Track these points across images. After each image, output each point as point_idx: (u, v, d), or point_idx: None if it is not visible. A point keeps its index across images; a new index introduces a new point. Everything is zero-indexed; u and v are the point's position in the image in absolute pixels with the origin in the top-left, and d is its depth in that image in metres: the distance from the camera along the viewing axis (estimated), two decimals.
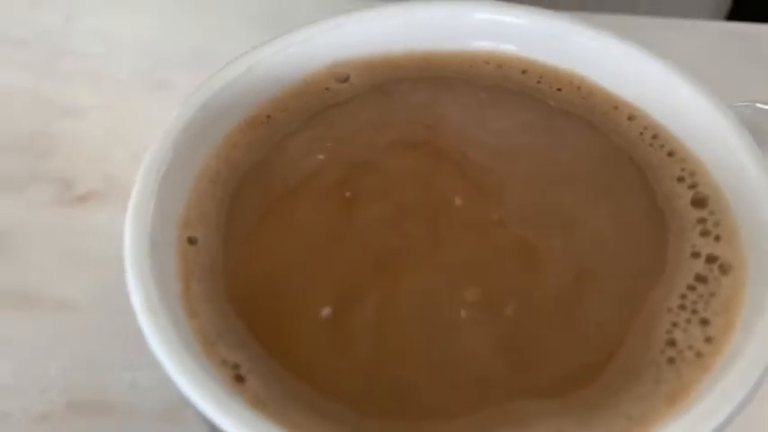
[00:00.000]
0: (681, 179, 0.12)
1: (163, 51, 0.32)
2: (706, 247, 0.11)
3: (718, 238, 0.11)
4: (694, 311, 0.11)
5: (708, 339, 0.10)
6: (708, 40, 0.30)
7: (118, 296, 0.24)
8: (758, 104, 0.14)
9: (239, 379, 0.10)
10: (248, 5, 0.33)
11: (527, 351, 0.10)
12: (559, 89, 0.14)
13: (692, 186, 0.12)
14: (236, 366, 0.10)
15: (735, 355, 0.10)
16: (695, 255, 0.11)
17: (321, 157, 0.13)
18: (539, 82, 0.14)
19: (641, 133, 0.13)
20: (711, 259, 0.11)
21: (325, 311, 0.11)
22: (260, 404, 0.10)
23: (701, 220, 0.12)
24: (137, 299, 0.11)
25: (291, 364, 0.10)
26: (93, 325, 0.23)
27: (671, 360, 0.10)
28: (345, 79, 0.14)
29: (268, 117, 0.14)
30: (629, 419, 0.09)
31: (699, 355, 0.10)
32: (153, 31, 0.33)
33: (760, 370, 0.09)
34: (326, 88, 0.14)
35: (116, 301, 0.23)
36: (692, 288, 0.11)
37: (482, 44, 0.14)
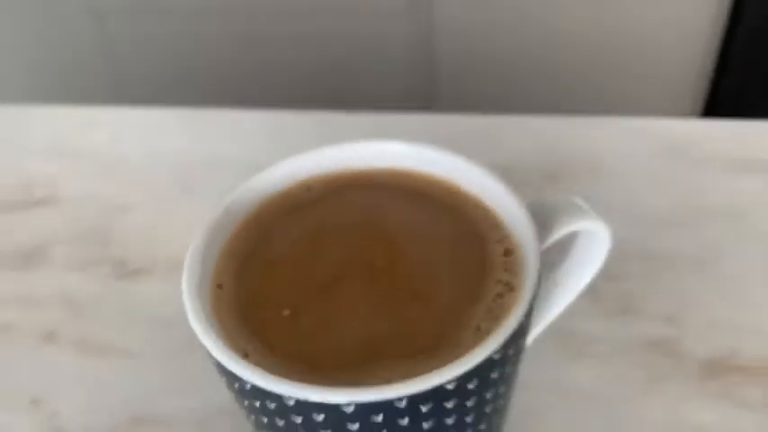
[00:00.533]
0: (499, 241, 0.22)
1: (189, 163, 0.41)
2: (505, 276, 0.21)
3: (512, 273, 0.21)
4: (492, 310, 0.20)
5: (497, 321, 0.19)
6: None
7: (161, 344, 0.35)
8: (568, 198, 0.23)
9: (246, 356, 0.19)
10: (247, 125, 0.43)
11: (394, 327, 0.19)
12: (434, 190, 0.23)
13: (504, 245, 0.21)
14: (245, 351, 0.19)
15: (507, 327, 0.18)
16: (499, 281, 0.20)
17: (296, 234, 0.23)
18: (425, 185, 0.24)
19: (481, 215, 0.22)
20: (507, 284, 0.20)
21: (286, 312, 0.20)
22: (258, 367, 0.19)
23: (506, 263, 0.21)
24: (192, 315, 0.20)
25: (271, 345, 0.19)
26: (143, 365, 0.32)
27: (478, 334, 0.19)
28: (309, 189, 0.24)
29: (264, 214, 0.23)
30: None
31: (490, 331, 0.19)
32: (181, 147, 0.43)
33: (511, 329, 0.18)
34: (298, 194, 0.24)
35: (160, 348, 0.33)
36: (495, 298, 0.20)
37: (388, 164, 0.24)
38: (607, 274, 0.33)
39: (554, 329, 0.31)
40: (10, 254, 0.37)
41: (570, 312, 0.32)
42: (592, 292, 0.33)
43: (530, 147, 0.39)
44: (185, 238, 0.36)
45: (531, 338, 0.26)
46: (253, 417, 0.20)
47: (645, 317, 0.32)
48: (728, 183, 0.37)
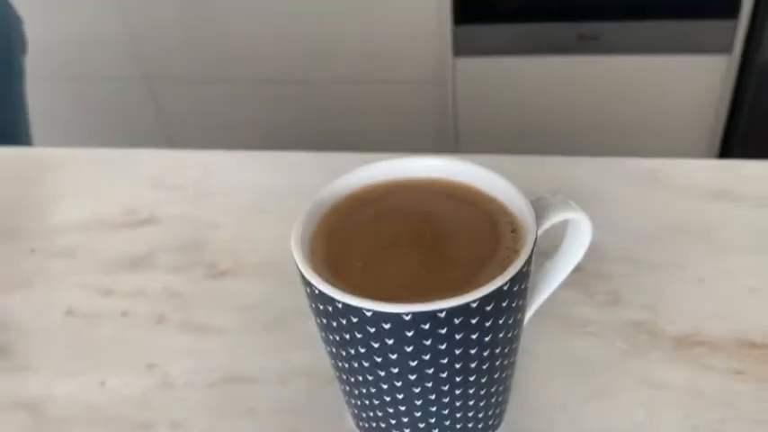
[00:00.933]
0: (508, 223, 0.31)
1: (263, 192, 0.51)
2: (512, 245, 0.30)
3: (517, 243, 0.30)
4: (503, 264, 0.29)
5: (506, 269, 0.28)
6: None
7: (245, 324, 0.45)
8: (558, 195, 0.32)
9: (329, 281, 0.28)
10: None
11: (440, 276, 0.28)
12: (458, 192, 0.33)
13: (511, 226, 0.31)
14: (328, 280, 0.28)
15: (512, 269, 0.27)
16: (507, 248, 0.30)
17: (363, 218, 0.32)
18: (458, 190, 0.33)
19: (495, 207, 0.32)
20: (514, 250, 0.29)
21: (359, 264, 0.29)
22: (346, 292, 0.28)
23: (513, 237, 0.30)
24: (301, 266, 0.29)
25: (350, 284, 0.28)
26: (232, 339, 0.41)
27: (492, 277, 0.28)
28: (372, 190, 0.34)
29: (340, 207, 0.33)
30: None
31: (509, 261, 0.28)
32: (258, 181, 0.53)
33: (525, 257, 0.27)
34: (365, 193, 0.33)
35: (244, 327, 0.43)
36: (505, 257, 0.29)
37: (427, 174, 0.34)
38: (597, 274, 0.42)
39: (554, 315, 0.40)
40: (122, 260, 0.47)
41: (567, 303, 0.40)
42: (585, 287, 0.41)
43: (543, 180, 0.49)
44: (263, 247, 0.46)
45: (535, 307, 0.35)
46: (336, 336, 0.29)
47: (627, 306, 0.40)
48: (700, 208, 0.46)
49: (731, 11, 1.26)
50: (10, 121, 0.88)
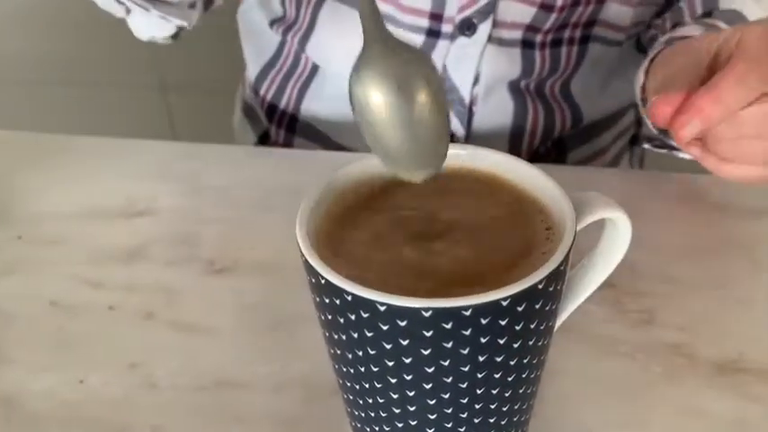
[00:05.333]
0: (542, 219, 0.27)
1: (268, 187, 0.48)
2: (547, 241, 0.26)
3: (553, 242, 0.26)
4: (544, 254, 0.25)
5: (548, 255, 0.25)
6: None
7: (240, 324, 0.41)
8: (594, 192, 0.29)
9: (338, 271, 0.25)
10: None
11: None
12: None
13: (545, 221, 0.27)
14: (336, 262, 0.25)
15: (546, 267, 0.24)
16: (542, 245, 0.26)
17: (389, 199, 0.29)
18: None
19: (528, 201, 0.28)
20: (548, 247, 0.26)
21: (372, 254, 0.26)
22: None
23: (548, 233, 0.27)
24: (309, 257, 0.25)
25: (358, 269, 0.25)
26: (227, 341, 0.38)
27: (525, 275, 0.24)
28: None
29: (359, 190, 0.30)
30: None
31: (544, 258, 0.24)
32: (260, 176, 0.49)
33: (563, 255, 0.24)
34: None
35: (239, 327, 0.39)
36: (544, 245, 0.26)
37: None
38: (630, 291, 0.38)
39: (582, 332, 0.36)
40: (116, 251, 0.44)
41: (597, 320, 0.37)
42: (616, 304, 0.38)
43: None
44: (265, 246, 0.42)
45: (565, 315, 0.31)
46: (342, 336, 0.25)
47: (663, 326, 0.36)
48: (740, 224, 0.43)
49: None
50: None
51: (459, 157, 0.30)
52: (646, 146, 0.49)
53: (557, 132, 0.55)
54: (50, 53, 1.40)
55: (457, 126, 0.54)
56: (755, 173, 0.37)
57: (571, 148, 0.57)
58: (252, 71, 0.63)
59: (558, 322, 0.30)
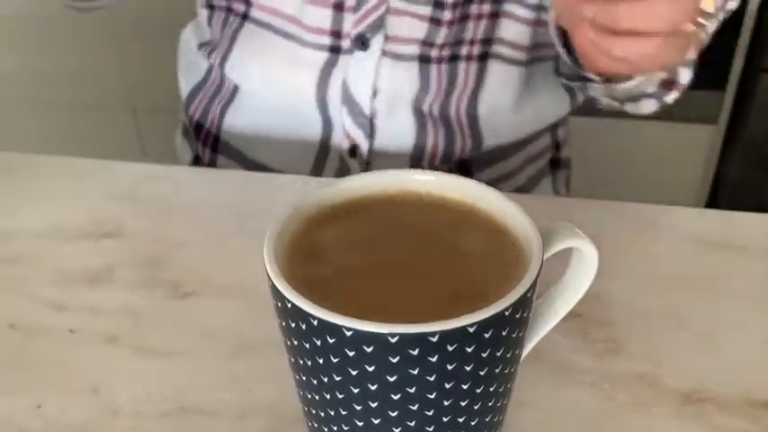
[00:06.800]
0: (510, 246, 0.28)
1: (235, 210, 0.48)
2: (515, 268, 0.26)
3: (519, 266, 0.26)
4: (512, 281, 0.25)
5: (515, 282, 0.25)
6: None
7: (206, 349, 0.40)
8: (563, 221, 0.29)
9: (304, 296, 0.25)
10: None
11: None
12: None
13: (514, 248, 0.27)
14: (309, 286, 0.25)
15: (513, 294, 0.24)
16: (509, 272, 0.26)
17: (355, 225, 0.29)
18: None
19: (497, 228, 0.29)
20: (515, 275, 0.26)
21: (339, 279, 0.26)
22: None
23: (516, 260, 0.27)
24: (276, 281, 0.25)
25: (324, 295, 0.25)
26: (190, 366, 0.37)
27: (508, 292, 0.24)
28: (356, 207, 0.30)
29: (326, 217, 0.29)
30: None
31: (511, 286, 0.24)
32: (228, 198, 0.49)
33: (530, 281, 0.24)
34: (340, 209, 0.30)
35: (205, 352, 0.38)
36: (511, 272, 0.26)
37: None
38: (597, 320, 0.39)
39: (548, 361, 0.36)
40: (80, 272, 0.43)
41: (563, 349, 0.37)
42: (582, 334, 0.38)
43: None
44: (232, 270, 0.42)
45: (532, 344, 0.31)
46: (308, 361, 0.25)
47: (629, 356, 0.37)
48: (703, 256, 0.43)
49: (719, 82, 1.27)
50: None
51: (428, 183, 0.30)
52: (563, 82, 0.49)
53: (456, 156, 0.56)
54: (21, 72, 1.38)
55: (360, 138, 0.55)
56: (653, 44, 0.33)
57: (477, 170, 0.58)
58: (184, 92, 0.64)
59: (525, 351, 0.30)
